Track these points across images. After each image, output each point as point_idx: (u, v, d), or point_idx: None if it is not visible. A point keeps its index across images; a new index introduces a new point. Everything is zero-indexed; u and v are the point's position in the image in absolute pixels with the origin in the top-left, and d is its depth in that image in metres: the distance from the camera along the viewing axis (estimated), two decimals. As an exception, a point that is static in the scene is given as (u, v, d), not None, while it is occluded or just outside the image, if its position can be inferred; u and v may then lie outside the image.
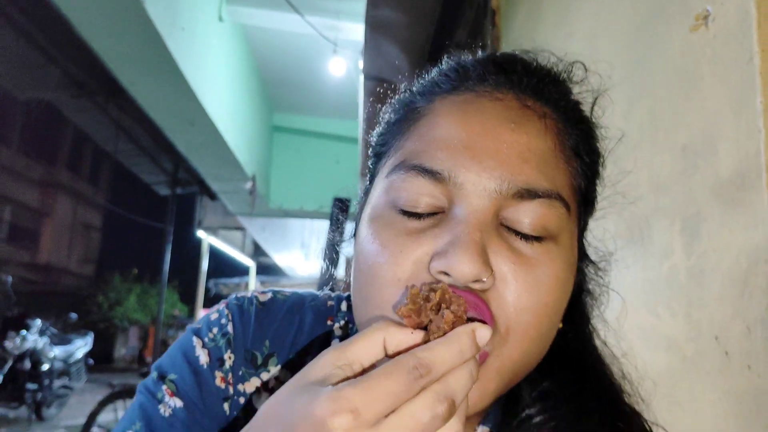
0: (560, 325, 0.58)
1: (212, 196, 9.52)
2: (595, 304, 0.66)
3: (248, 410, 0.65)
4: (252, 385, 0.65)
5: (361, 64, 3.90)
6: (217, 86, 5.51)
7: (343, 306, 0.71)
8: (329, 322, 0.69)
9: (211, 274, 14.82)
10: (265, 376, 0.66)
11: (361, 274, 0.54)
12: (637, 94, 1.28)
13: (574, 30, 1.68)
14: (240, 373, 0.65)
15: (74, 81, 7.86)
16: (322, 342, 0.68)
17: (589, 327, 0.65)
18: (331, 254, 0.80)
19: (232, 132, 6.15)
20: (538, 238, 0.51)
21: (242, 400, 0.65)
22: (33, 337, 8.07)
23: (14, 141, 23.68)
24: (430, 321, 0.45)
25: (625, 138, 1.31)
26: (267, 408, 0.43)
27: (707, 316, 1.00)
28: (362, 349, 0.42)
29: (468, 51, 0.65)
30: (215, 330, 0.66)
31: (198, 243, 12.24)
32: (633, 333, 1.24)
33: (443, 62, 0.63)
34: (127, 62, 4.35)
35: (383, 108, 0.65)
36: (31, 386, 8.14)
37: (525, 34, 2.19)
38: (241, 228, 11.51)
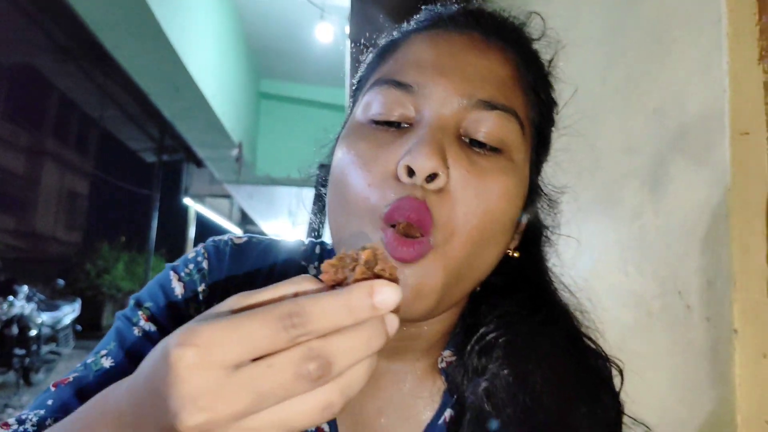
0: (515, 254, 0.64)
1: (199, 164, 9.50)
2: (549, 236, 0.73)
3: None
4: None
5: (348, 30, 3.88)
6: (203, 52, 5.46)
7: (317, 249, 0.75)
8: (303, 263, 0.72)
9: (198, 242, 14.80)
10: None
11: (336, 188, 0.58)
12: (613, 57, 1.30)
13: (555, -6, 1.69)
14: (213, 304, 0.68)
15: (58, 46, 7.76)
16: (297, 272, 0.70)
17: (544, 256, 0.71)
18: (318, 218, 0.83)
19: (219, 98, 6.11)
20: (493, 150, 0.56)
21: None
22: (20, 303, 8.08)
23: (-2, 107, 23.38)
24: (346, 278, 0.40)
25: (601, 102, 1.34)
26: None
27: (672, 273, 1.03)
28: (267, 298, 0.39)
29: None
30: (191, 266, 0.69)
31: (185, 210, 12.22)
32: (604, 291, 1.28)
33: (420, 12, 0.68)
34: (112, 27, 4.30)
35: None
36: (18, 352, 8.18)
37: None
38: (228, 196, 11.50)
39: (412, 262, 0.52)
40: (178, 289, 0.68)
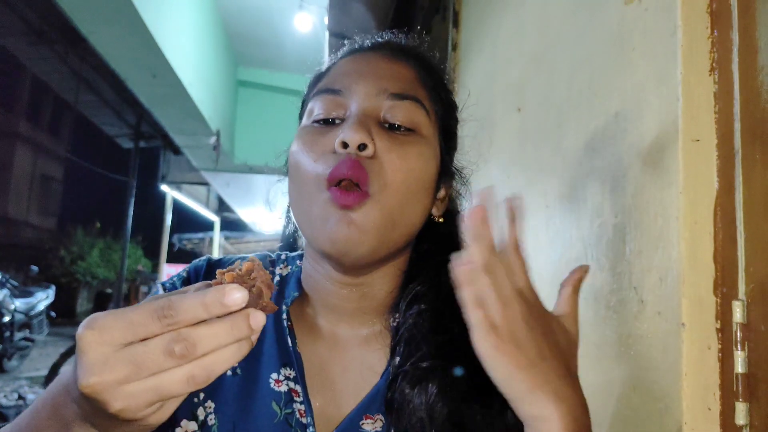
0: (440, 219, 0.82)
1: (176, 151, 9.44)
2: (461, 203, 0.89)
3: None
4: None
5: (326, 21, 3.89)
6: (181, 38, 5.43)
7: (283, 257, 0.90)
8: (271, 268, 0.87)
9: (175, 229, 14.75)
10: None
11: (292, 176, 0.74)
12: (578, 62, 1.35)
13: (526, 0, 1.74)
14: None
15: (32, 28, 7.63)
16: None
17: (458, 218, 0.81)
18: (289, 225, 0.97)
19: (196, 85, 6.08)
20: (407, 130, 0.72)
21: None
22: (-8, 290, 8.00)
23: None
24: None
25: (567, 104, 1.39)
26: None
27: (628, 270, 1.10)
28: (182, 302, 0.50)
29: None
30: (174, 278, 0.85)
31: (162, 197, 12.14)
32: (566, 285, 1.34)
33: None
34: (88, 12, 4.25)
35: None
36: (-9, 338, 8.12)
37: (484, -2, 2.24)
38: (205, 183, 11.44)
39: (354, 207, 0.67)
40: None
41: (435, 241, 0.82)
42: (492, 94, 2.05)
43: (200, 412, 0.79)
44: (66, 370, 0.56)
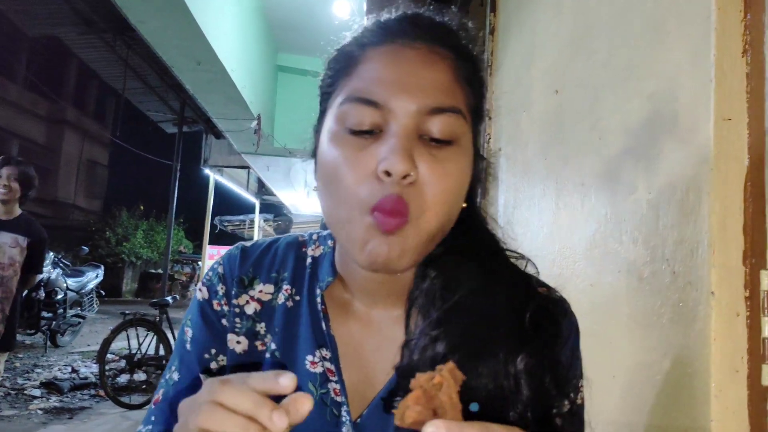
0: (464, 204, 0.79)
1: (218, 135, 9.62)
2: (484, 188, 0.87)
3: (241, 315, 0.85)
4: (243, 299, 0.86)
5: (365, 6, 3.95)
6: (225, 26, 5.55)
7: (314, 237, 0.91)
8: (303, 249, 0.89)
9: (216, 211, 15.05)
10: (252, 292, 0.86)
11: (328, 185, 0.73)
12: (615, 45, 1.40)
13: (567, -20, 1.78)
14: (233, 292, 0.85)
15: (82, 18, 7.85)
16: (296, 259, 0.88)
17: (478, 203, 0.86)
18: None
19: (239, 72, 6.20)
20: (446, 142, 0.71)
21: (237, 310, 0.85)
22: (47, 268, 8.32)
23: (20, 76, 23.56)
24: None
25: (604, 86, 1.44)
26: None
27: (661, 242, 1.15)
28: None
29: None
30: (210, 273, 0.87)
31: (204, 180, 12.40)
32: (601, 257, 1.40)
33: (368, 21, 0.81)
34: (137, 2, 4.40)
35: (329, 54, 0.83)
36: (46, 314, 8.46)
37: (524, -19, 2.28)
38: (246, 166, 11.64)
39: (395, 231, 0.68)
40: (201, 294, 0.86)
41: (459, 223, 0.81)
42: (530, 77, 2.10)
43: None
44: None
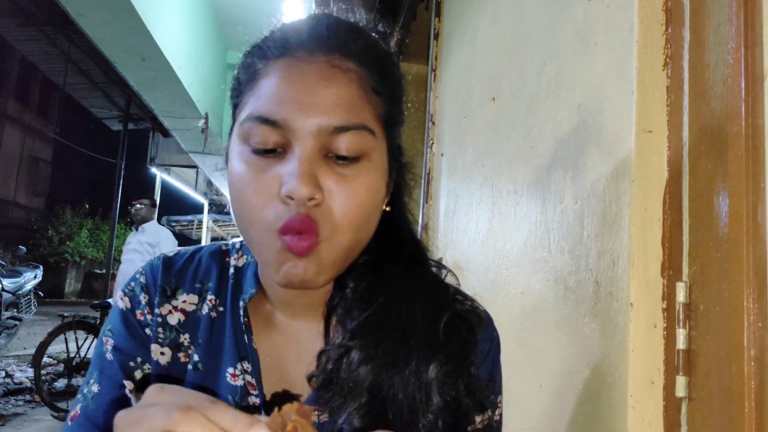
0: (387, 208, 0.79)
1: (165, 133, 9.42)
2: (408, 190, 0.86)
3: (164, 325, 0.83)
4: (166, 309, 0.83)
5: (314, 7, 3.92)
6: (170, 22, 5.42)
7: (237, 245, 0.89)
8: (226, 259, 0.87)
9: (164, 211, 14.72)
10: (174, 302, 0.84)
11: (237, 204, 0.71)
12: (548, 55, 1.41)
13: (505, -12, 1.79)
14: (156, 301, 0.83)
15: (21, 10, 7.57)
16: (219, 270, 0.86)
17: (405, 205, 0.85)
18: None
19: (186, 69, 6.08)
20: (354, 159, 0.69)
21: (159, 320, 0.82)
22: (-21, 269, 7.99)
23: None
24: None
25: (537, 95, 1.45)
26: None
27: (585, 253, 1.16)
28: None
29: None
30: (132, 284, 0.84)
31: (151, 179, 12.12)
32: (531, 265, 1.41)
33: (268, 30, 0.77)
34: (77, -7, 4.26)
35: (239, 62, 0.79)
36: (-22, 317, 8.12)
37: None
38: (194, 166, 11.43)
39: (308, 253, 0.67)
40: (123, 303, 0.83)
41: (381, 229, 0.80)
42: (470, 84, 2.10)
43: None
44: None
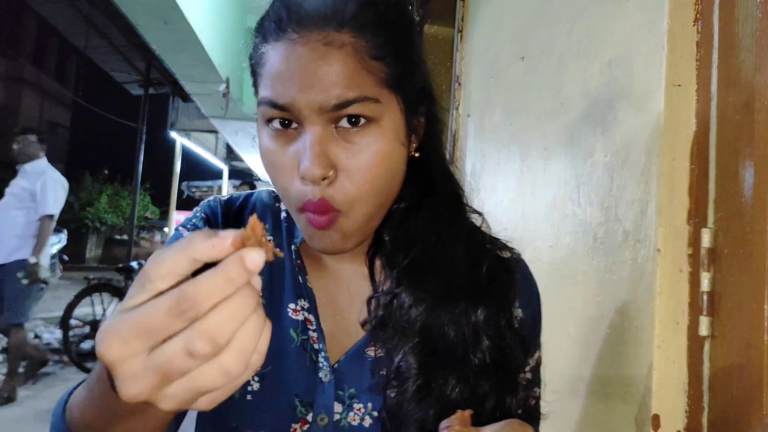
0: (416, 154, 0.82)
1: (185, 98, 9.47)
2: (440, 128, 0.89)
3: None
4: None
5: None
6: (192, -16, 5.44)
7: None
8: (277, 205, 0.93)
9: (183, 177, 14.87)
10: None
11: (269, 176, 0.78)
12: (578, 12, 1.44)
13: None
14: None
15: (42, -28, 7.59)
16: (273, 214, 0.92)
17: (440, 145, 0.88)
18: None
19: (207, 32, 6.10)
20: (362, 129, 0.72)
21: None
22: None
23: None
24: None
25: (567, 53, 1.49)
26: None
27: (614, 204, 1.21)
28: (167, 268, 0.44)
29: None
30: (194, 219, 0.90)
31: (171, 145, 12.21)
32: (561, 219, 1.46)
33: (268, 9, 0.78)
34: (100, -45, 4.28)
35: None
36: (7, 279, 8.33)
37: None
38: (214, 131, 11.49)
39: (329, 227, 0.73)
40: (185, 233, 0.87)
41: (414, 175, 0.84)
42: (498, 43, 2.13)
43: None
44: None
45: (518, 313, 0.85)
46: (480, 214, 0.91)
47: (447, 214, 0.85)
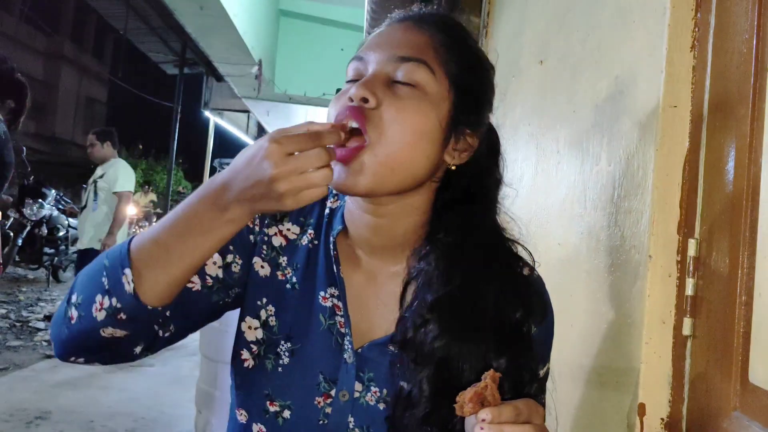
0: (452, 167, 0.93)
1: (219, 78, 9.65)
2: (496, 167, 1.06)
3: (268, 244, 0.99)
4: (272, 230, 1.00)
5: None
6: (227, -31, 5.56)
7: (334, 192, 1.03)
8: (325, 201, 1.03)
9: (216, 154, 15.13)
10: (281, 227, 1.00)
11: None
12: (591, 26, 1.53)
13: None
14: (266, 221, 1.00)
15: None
16: (320, 209, 1.02)
17: (487, 180, 1.01)
18: None
19: (241, 16, 6.23)
20: (410, 86, 0.86)
21: (266, 238, 0.99)
22: (49, 206, 8.49)
23: (17, 9, 23.19)
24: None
25: (581, 62, 1.58)
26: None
27: (615, 210, 1.31)
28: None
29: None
30: None
31: (204, 123, 12.44)
32: (569, 219, 1.57)
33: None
34: (141, -57, 4.42)
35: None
36: (48, 250, 8.69)
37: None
38: (246, 111, 11.67)
39: (351, 158, 0.82)
40: None
41: (453, 189, 0.94)
42: (520, 44, 2.22)
43: (262, 314, 0.97)
44: (213, 182, 0.78)
45: (532, 329, 0.94)
46: (521, 245, 1.00)
47: (489, 250, 0.93)
